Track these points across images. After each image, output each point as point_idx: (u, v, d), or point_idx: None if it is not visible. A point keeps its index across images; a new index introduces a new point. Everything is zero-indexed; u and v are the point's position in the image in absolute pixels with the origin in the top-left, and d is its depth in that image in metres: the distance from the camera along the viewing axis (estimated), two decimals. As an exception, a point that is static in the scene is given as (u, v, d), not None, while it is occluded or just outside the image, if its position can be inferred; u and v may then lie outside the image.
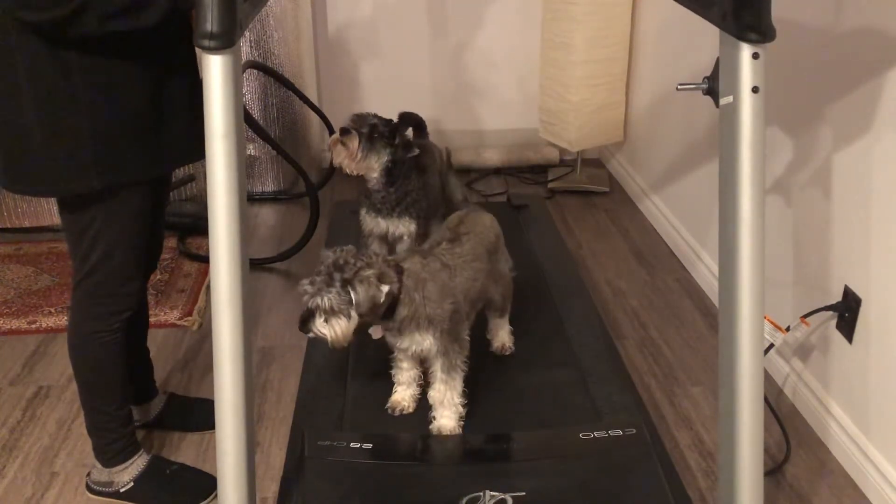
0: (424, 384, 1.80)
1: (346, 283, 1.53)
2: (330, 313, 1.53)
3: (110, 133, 1.48)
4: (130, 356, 1.85)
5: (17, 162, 1.48)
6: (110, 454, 1.79)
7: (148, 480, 1.81)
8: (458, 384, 1.71)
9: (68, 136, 1.44)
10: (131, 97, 1.49)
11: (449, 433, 1.72)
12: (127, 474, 1.80)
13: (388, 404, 1.80)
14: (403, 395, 1.80)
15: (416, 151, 2.21)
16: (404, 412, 1.79)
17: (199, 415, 2.04)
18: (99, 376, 1.73)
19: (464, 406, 1.73)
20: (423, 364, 1.78)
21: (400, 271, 1.64)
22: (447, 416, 1.72)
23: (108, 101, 1.46)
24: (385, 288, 1.56)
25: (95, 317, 1.67)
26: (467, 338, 1.74)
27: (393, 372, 1.81)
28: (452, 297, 1.69)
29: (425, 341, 1.67)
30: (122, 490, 1.80)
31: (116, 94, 1.46)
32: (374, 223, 2.23)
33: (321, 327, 1.55)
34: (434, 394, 1.73)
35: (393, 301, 1.62)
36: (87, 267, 1.61)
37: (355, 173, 2.17)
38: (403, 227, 2.21)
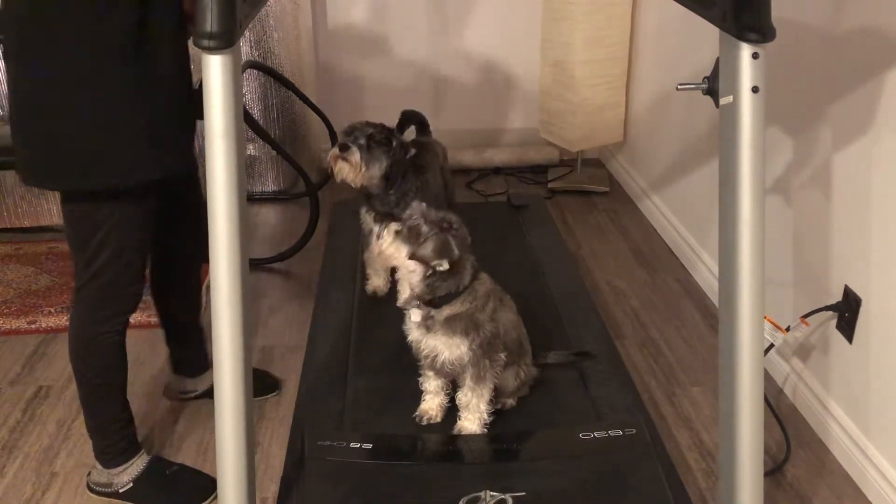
0: (452, 392, 1.79)
1: (434, 226, 1.58)
2: (403, 233, 1.59)
3: (129, 135, 1.51)
4: (183, 331, 2.02)
5: (41, 158, 1.50)
6: (111, 455, 1.79)
7: (147, 481, 1.81)
8: (486, 393, 1.71)
9: (91, 136, 1.48)
10: (151, 101, 1.51)
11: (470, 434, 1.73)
12: (126, 475, 1.80)
13: (416, 413, 1.79)
14: (431, 405, 1.79)
15: (413, 152, 2.22)
16: (432, 421, 1.78)
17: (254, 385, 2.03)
18: (102, 379, 1.73)
19: (490, 414, 1.73)
20: (449, 376, 1.77)
21: (475, 275, 1.66)
22: (469, 420, 1.72)
23: (128, 106, 1.49)
24: (443, 265, 1.57)
25: (99, 320, 1.66)
26: (502, 356, 1.72)
27: (420, 380, 1.80)
28: (496, 323, 1.70)
29: (460, 348, 1.65)
30: (121, 490, 1.80)
31: (137, 99, 1.49)
32: (373, 223, 2.24)
33: (388, 234, 1.59)
34: (461, 397, 1.73)
35: (452, 293, 1.62)
36: (93, 269, 1.60)
37: (359, 185, 2.18)
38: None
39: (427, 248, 1.57)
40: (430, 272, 1.59)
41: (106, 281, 1.62)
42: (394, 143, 2.16)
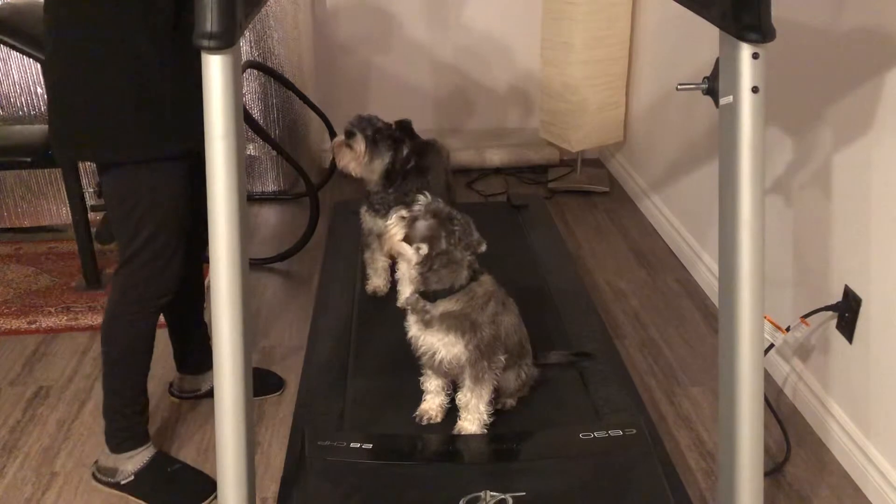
0: (453, 393, 1.79)
1: (430, 214, 1.62)
2: (407, 219, 1.64)
3: (165, 108, 1.57)
4: (185, 327, 2.02)
5: (103, 129, 1.57)
6: (120, 440, 1.82)
7: (148, 476, 1.83)
8: (485, 394, 1.71)
9: (128, 108, 1.54)
10: (184, 76, 1.54)
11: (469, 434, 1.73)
12: (131, 464, 1.82)
13: (416, 413, 1.79)
14: (431, 405, 1.79)
15: (413, 164, 2.23)
16: (432, 421, 1.78)
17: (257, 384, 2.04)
18: (125, 358, 1.78)
19: (490, 414, 1.73)
20: (448, 376, 1.78)
21: (474, 276, 1.67)
22: (469, 420, 1.73)
23: (165, 79, 1.55)
24: (423, 249, 1.61)
25: (132, 300, 1.72)
26: (501, 359, 1.72)
27: (421, 380, 1.80)
28: (497, 326, 1.70)
29: (456, 346, 1.66)
30: (122, 482, 1.82)
31: (172, 73, 1.55)
32: (372, 223, 2.24)
33: (395, 218, 1.64)
34: (461, 398, 1.74)
35: (446, 289, 1.64)
36: (132, 249, 1.66)
37: (359, 176, 2.19)
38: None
39: (415, 230, 1.62)
40: (420, 259, 1.62)
41: (141, 262, 1.67)
42: (404, 147, 2.17)
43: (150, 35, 1.52)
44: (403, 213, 1.65)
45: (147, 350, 1.79)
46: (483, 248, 1.67)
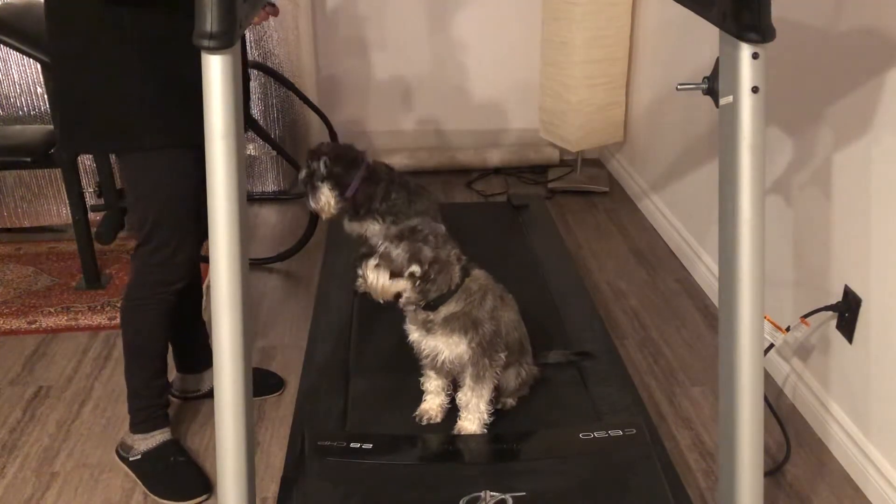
0: (453, 392, 1.79)
1: (397, 240, 1.60)
2: (380, 264, 1.60)
3: (160, 98, 1.61)
4: (184, 325, 2.01)
5: (80, 122, 1.64)
6: (136, 420, 1.87)
7: (152, 460, 1.87)
8: (486, 393, 1.71)
9: (124, 100, 1.60)
10: (181, 67, 1.55)
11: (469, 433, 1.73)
12: (143, 445, 1.87)
13: (416, 413, 1.79)
14: (431, 405, 1.79)
15: (352, 193, 2.21)
16: (432, 421, 1.78)
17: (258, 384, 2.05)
18: (138, 341, 1.82)
19: (490, 414, 1.73)
20: (449, 376, 1.77)
21: (467, 272, 1.67)
22: (469, 420, 1.73)
23: (159, 70, 1.59)
24: (414, 268, 1.58)
25: (144, 284, 1.77)
26: (502, 356, 1.71)
27: (422, 380, 1.80)
28: (497, 321, 1.69)
29: (459, 346, 1.66)
30: (130, 459, 1.88)
31: (167, 64, 1.58)
32: (350, 227, 2.31)
33: (368, 271, 1.61)
34: (461, 397, 1.73)
35: (444, 293, 1.63)
36: (143, 234, 1.72)
37: (336, 212, 2.24)
38: (366, 228, 2.26)
39: (395, 262, 1.59)
40: (417, 282, 1.60)
41: (152, 248, 1.73)
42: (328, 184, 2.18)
43: (144, 38, 1.56)
44: (373, 262, 1.61)
45: (160, 337, 1.83)
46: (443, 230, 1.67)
